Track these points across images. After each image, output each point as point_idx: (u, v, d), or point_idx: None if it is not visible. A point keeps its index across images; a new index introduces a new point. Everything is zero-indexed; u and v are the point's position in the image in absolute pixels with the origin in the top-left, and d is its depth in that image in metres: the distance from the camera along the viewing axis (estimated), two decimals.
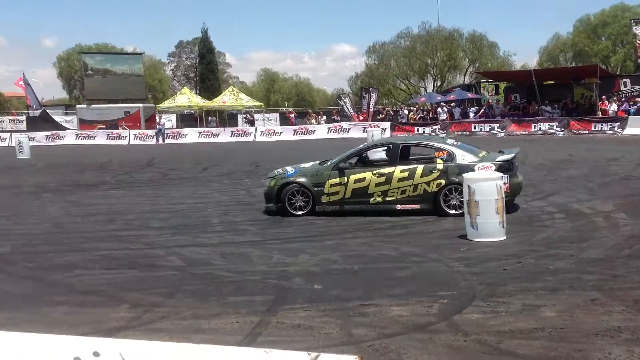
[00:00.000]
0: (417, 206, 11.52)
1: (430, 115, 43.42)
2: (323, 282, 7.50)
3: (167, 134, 41.93)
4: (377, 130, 31.35)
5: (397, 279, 7.60)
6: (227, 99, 52.08)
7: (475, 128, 37.56)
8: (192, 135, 42.17)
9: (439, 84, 70.61)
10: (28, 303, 7.17)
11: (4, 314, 6.70)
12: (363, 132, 36.19)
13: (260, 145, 35.80)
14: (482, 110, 40.78)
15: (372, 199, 11.70)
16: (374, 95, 47.57)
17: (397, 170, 11.58)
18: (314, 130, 41.38)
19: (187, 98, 52.94)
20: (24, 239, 10.91)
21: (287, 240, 10.21)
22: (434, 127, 38.58)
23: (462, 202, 10.51)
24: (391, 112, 50.20)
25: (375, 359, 5.06)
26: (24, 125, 50.60)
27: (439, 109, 42.27)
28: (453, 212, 11.19)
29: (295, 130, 42.11)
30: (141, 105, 50.51)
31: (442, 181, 11.31)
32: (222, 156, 27.10)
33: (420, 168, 11.50)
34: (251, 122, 48.77)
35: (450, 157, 11.54)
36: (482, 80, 49.88)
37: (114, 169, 23.58)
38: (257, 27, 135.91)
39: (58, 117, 52.19)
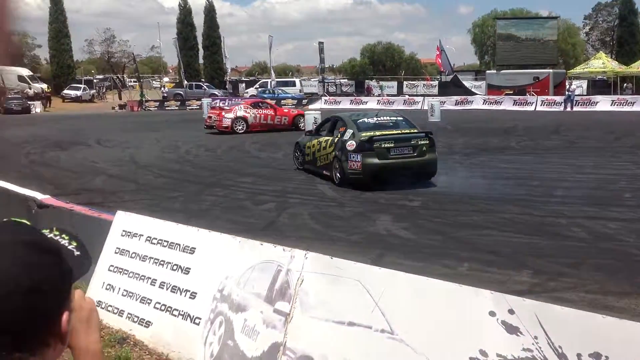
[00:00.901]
0: (329, 173, 13.18)
1: None
2: None
3: (576, 100, 39.94)
4: None
5: None
6: None
7: None
8: (603, 103, 39.36)
9: None
10: (436, 255, 7.67)
11: (416, 262, 7.28)
12: None
13: None
14: None
15: (317, 163, 13.84)
16: None
17: (323, 141, 13.69)
18: None
19: (602, 63, 49.43)
20: (432, 195, 11.63)
21: None
22: None
23: (341, 174, 12.54)
24: None
25: None
26: (435, 90, 53.78)
27: None
28: (336, 182, 12.73)
29: None
30: (551, 70, 49.09)
31: (334, 154, 12.93)
32: (637, 126, 24.76)
33: (329, 140, 13.37)
34: None
35: (344, 132, 12.80)
36: None
37: (519, 135, 23.43)
38: None
39: (468, 83, 54.20)
